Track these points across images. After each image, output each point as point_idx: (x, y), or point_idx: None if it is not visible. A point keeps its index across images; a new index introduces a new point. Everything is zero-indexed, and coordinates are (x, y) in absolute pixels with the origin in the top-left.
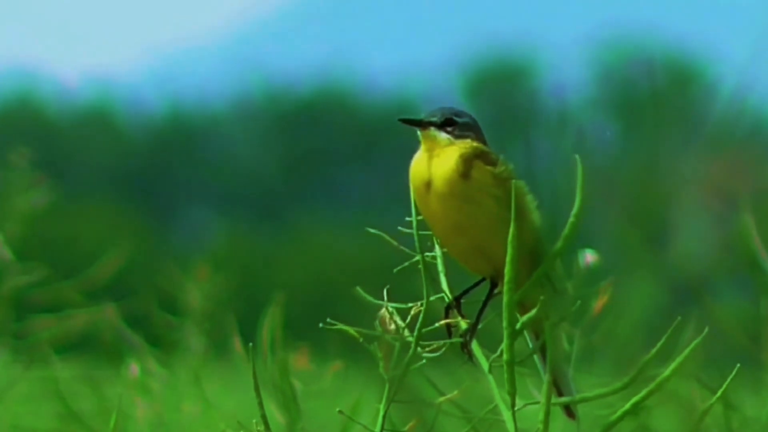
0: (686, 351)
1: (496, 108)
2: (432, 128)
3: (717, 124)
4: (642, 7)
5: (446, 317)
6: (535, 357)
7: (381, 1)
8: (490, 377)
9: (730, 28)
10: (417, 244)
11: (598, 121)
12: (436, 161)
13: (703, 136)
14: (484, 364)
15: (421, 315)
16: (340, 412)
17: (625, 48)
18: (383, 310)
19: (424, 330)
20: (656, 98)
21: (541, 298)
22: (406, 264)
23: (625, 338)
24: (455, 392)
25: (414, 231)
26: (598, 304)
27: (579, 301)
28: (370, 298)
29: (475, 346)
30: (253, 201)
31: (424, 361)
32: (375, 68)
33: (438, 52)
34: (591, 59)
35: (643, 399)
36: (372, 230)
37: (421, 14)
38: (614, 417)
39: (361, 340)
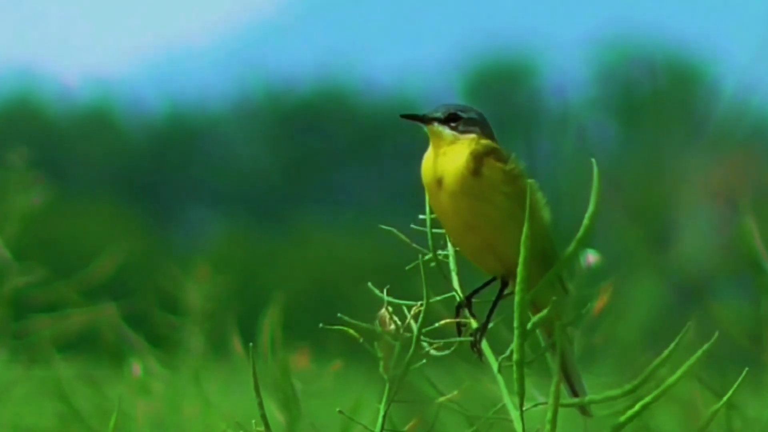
0: (695, 356)
1: (496, 108)
2: (436, 123)
3: (719, 124)
4: (643, 7)
5: (457, 316)
6: (548, 356)
7: (381, 1)
8: (499, 377)
9: (731, 28)
10: (430, 242)
11: (599, 121)
12: (446, 158)
13: (704, 136)
14: (494, 364)
15: (422, 314)
16: (340, 412)
17: (626, 48)
18: (383, 309)
19: (425, 329)
20: (657, 98)
21: (554, 298)
22: (416, 262)
23: (627, 338)
24: (455, 392)
25: (428, 229)
26: (599, 304)
27: (589, 304)
28: (379, 294)
29: (485, 345)
30: (252, 201)
31: (424, 360)
32: (375, 68)
33: (438, 52)
34: (592, 59)
35: (652, 402)
36: (386, 227)
37: (421, 14)
38: (623, 418)
39: (361, 340)
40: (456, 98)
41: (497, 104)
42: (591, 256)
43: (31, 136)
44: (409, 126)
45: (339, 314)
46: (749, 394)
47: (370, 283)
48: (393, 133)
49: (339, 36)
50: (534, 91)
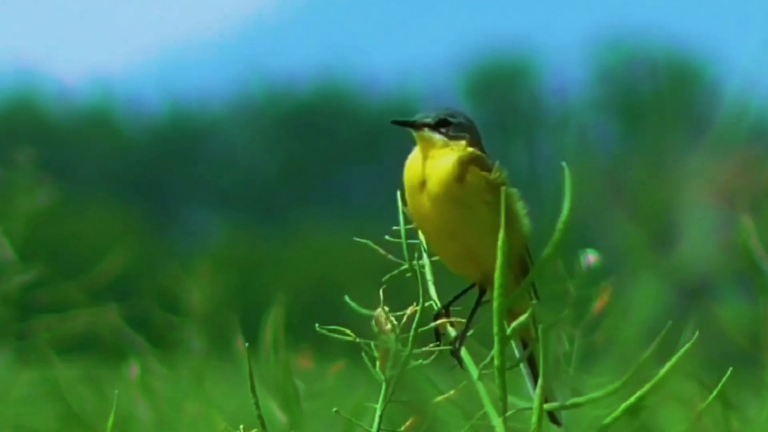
0: (679, 353)
1: (497, 108)
2: (426, 129)
3: (720, 125)
4: (643, 8)
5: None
6: (522, 366)
7: (381, 1)
8: (479, 384)
9: (731, 29)
10: (405, 251)
11: (600, 122)
12: (432, 162)
13: (706, 137)
14: (474, 372)
15: (417, 315)
16: (337, 411)
17: (626, 49)
18: (379, 310)
19: (420, 330)
20: (658, 99)
21: (533, 303)
22: (395, 272)
23: (628, 338)
24: (452, 392)
25: (402, 239)
26: (599, 304)
27: (576, 307)
28: (356, 306)
29: (464, 353)
30: (253, 201)
31: (420, 361)
32: (375, 68)
33: (438, 52)
34: (592, 59)
35: (637, 401)
36: (360, 240)
37: (422, 14)
38: (607, 420)
39: (357, 340)
40: (456, 99)
41: (497, 104)
42: (591, 257)
43: (32, 136)
44: (402, 127)
45: (334, 316)
46: (749, 394)
47: (347, 297)
48: (393, 133)
49: (339, 36)
50: (534, 92)
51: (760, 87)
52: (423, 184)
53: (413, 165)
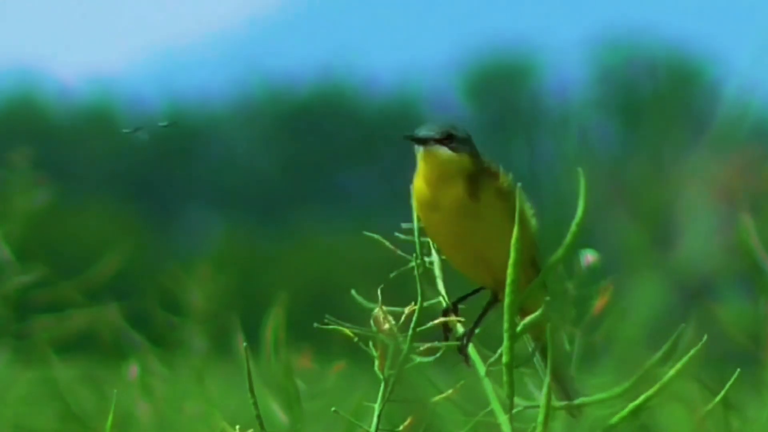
0: (685, 358)
1: (497, 108)
2: (432, 143)
3: (720, 125)
4: (643, 8)
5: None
6: (535, 360)
7: (381, 1)
8: (487, 381)
9: (732, 29)
10: (417, 249)
11: (600, 122)
12: (441, 183)
13: (706, 137)
14: (481, 369)
15: (416, 314)
16: (335, 411)
17: (626, 48)
18: (378, 309)
19: (419, 329)
20: (658, 99)
21: (546, 299)
22: (403, 269)
23: (628, 338)
24: (450, 391)
25: (415, 237)
26: (599, 303)
27: (576, 307)
28: (362, 300)
29: (471, 350)
30: (253, 201)
31: (418, 360)
32: (375, 68)
33: (439, 52)
34: (593, 59)
35: (643, 404)
36: (369, 234)
37: (422, 14)
38: (613, 420)
39: (356, 339)
40: (456, 99)
41: (498, 104)
42: (590, 257)
43: (31, 135)
44: (411, 128)
45: (335, 316)
46: (749, 394)
47: (353, 291)
48: (393, 133)
49: (339, 36)
50: (534, 92)
51: (759, 87)
52: (436, 205)
53: (423, 187)
